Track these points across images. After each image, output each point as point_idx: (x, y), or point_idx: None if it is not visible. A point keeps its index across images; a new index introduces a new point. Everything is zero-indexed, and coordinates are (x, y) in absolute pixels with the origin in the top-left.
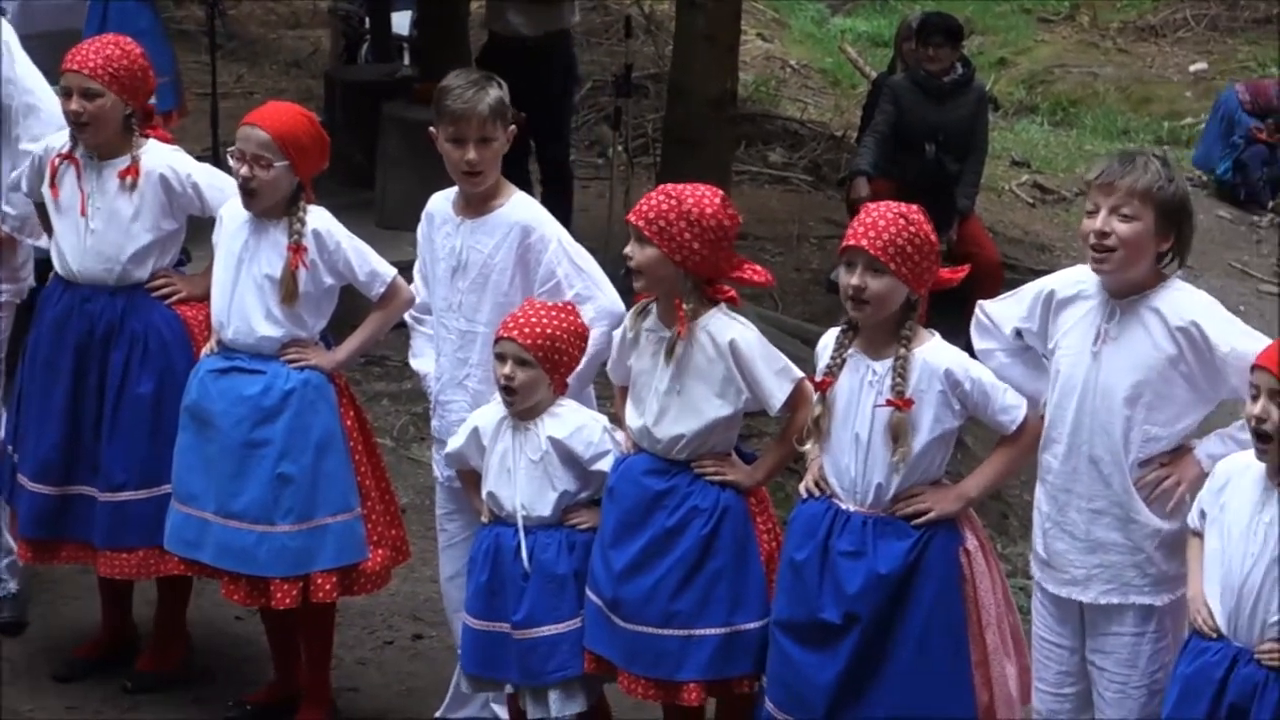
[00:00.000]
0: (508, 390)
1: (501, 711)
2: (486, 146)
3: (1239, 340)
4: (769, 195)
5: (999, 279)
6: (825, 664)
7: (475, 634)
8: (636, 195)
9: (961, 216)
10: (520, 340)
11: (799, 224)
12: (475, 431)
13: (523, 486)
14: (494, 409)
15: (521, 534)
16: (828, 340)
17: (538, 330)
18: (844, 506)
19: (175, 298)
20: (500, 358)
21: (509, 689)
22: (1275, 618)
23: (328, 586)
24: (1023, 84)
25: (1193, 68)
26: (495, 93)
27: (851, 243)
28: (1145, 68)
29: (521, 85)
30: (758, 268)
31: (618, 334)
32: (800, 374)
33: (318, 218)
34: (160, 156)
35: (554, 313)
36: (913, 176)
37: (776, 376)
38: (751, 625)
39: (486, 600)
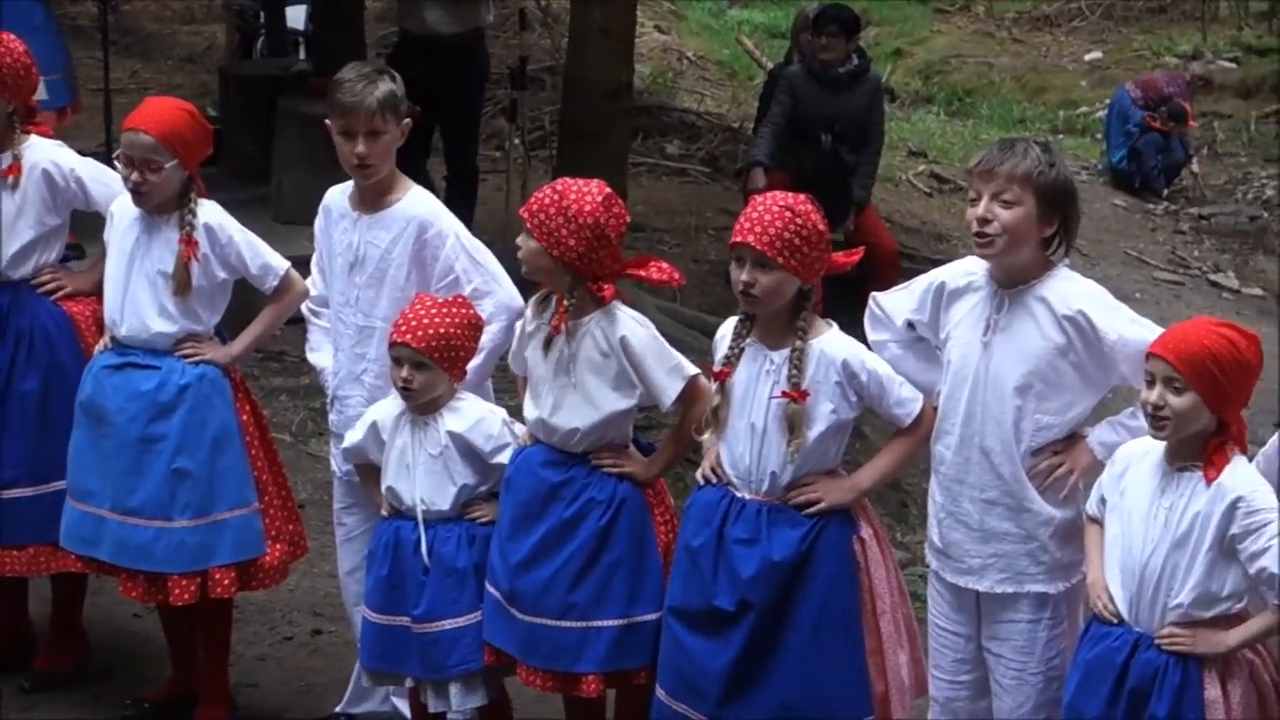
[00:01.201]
0: (406, 392)
1: (403, 705)
2: (375, 140)
3: (1126, 328)
4: (666, 187)
5: (896, 269)
6: (719, 651)
7: (375, 628)
8: (533, 188)
9: (858, 207)
10: (415, 344)
11: (697, 215)
12: (374, 426)
13: (422, 481)
14: (392, 403)
15: (421, 528)
16: (725, 330)
17: (430, 331)
18: (740, 494)
19: (61, 293)
20: (396, 360)
21: (409, 682)
22: (1176, 602)
23: (226, 582)
24: (919, 74)
25: (1088, 57)
26: (386, 86)
27: (738, 239)
28: (1040, 57)
29: (435, 84)
30: (663, 265)
31: (519, 324)
32: (693, 371)
33: (209, 212)
34: (43, 152)
35: (445, 309)
36: (809, 167)
37: (668, 374)
38: (649, 617)
39: (386, 594)
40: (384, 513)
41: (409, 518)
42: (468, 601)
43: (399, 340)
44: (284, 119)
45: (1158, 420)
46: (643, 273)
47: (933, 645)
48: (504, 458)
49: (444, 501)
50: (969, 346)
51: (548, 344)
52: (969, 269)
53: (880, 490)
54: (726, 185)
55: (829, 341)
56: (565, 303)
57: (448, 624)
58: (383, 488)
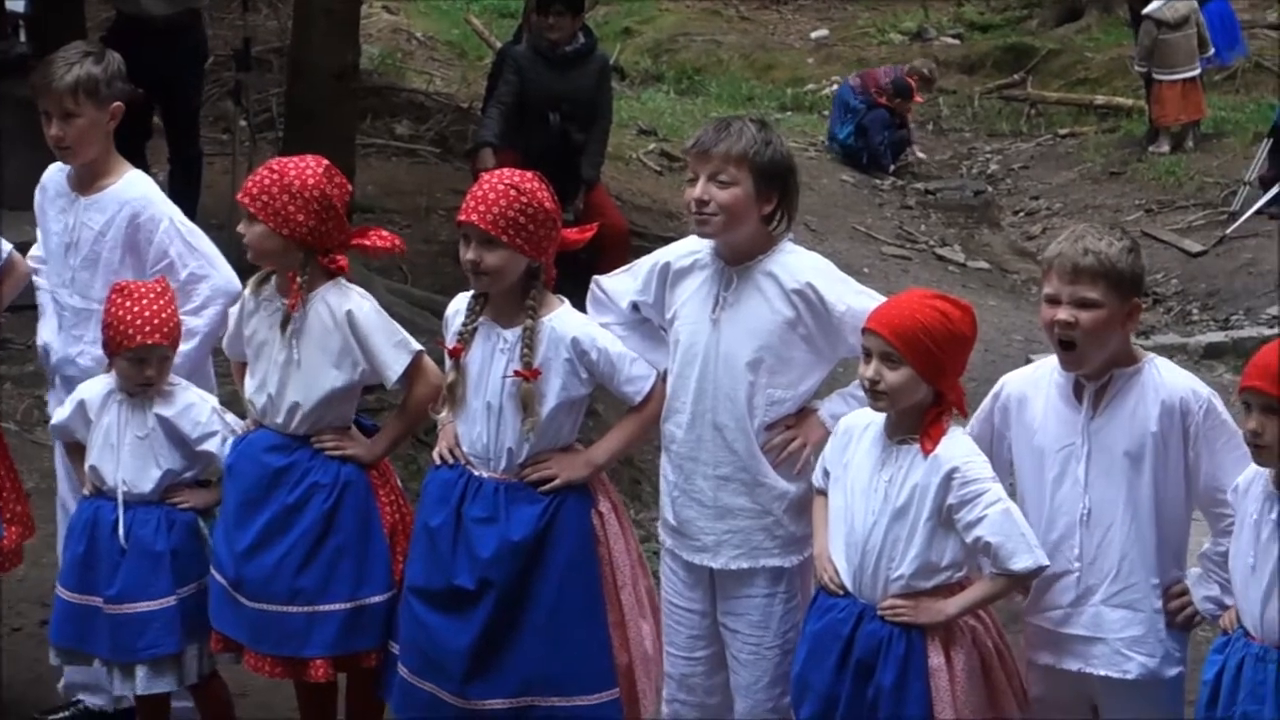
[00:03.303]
0: (147, 385)
1: (92, 698)
2: (69, 122)
3: (854, 299)
4: (396, 168)
5: (626, 247)
6: (461, 630)
7: (67, 606)
8: None
9: (588, 185)
10: (165, 342)
11: (427, 196)
12: (81, 404)
13: (126, 462)
14: (101, 382)
15: (121, 509)
16: (459, 305)
17: (172, 324)
18: (477, 473)
19: None
20: (142, 362)
21: (97, 664)
22: (897, 574)
23: None
24: (648, 53)
25: (814, 34)
26: (83, 69)
27: (463, 218)
28: (768, 35)
29: (152, 66)
30: (384, 233)
31: (235, 308)
32: (419, 347)
33: None
34: None
35: (164, 295)
36: (538, 146)
37: (394, 349)
38: (377, 599)
39: (80, 573)
40: (86, 491)
41: (110, 498)
42: (163, 585)
43: (152, 342)
44: (5, 103)
45: (875, 394)
46: (367, 242)
47: (667, 622)
48: (211, 445)
49: (146, 484)
50: (698, 325)
51: (285, 324)
52: (692, 247)
53: (613, 468)
54: (456, 165)
55: (560, 319)
56: (299, 280)
57: (140, 606)
58: (87, 466)
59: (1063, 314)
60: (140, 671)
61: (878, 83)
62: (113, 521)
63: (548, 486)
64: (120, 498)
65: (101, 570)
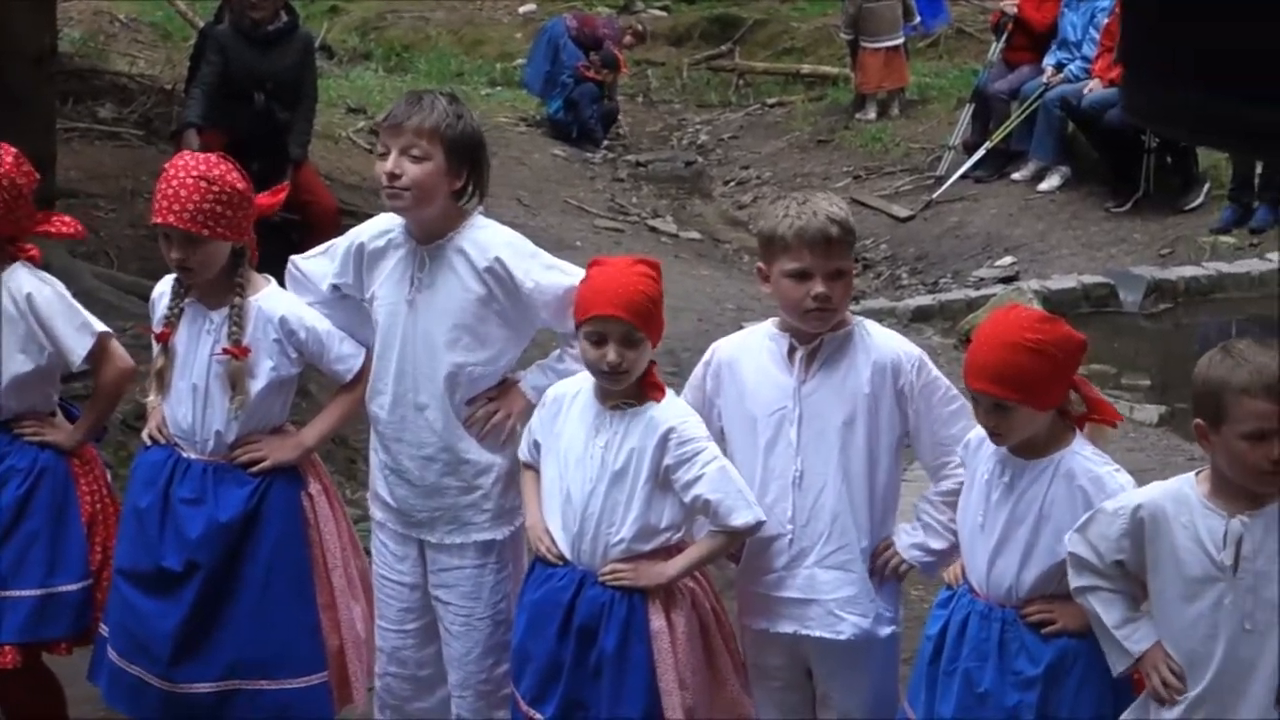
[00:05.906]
0: None
1: None
2: None
3: (541, 275)
4: (100, 151)
5: (337, 226)
6: (168, 612)
7: None
8: None
9: (295, 164)
10: None
11: (132, 179)
12: None
13: None
14: None
15: None
16: (164, 287)
17: None
18: (185, 454)
19: None
20: None
21: None
22: (618, 538)
23: None
24: (356, 31)
25: (522, 9)
26: None
27: (159, 220)
28: (476, 11)
29: None
30: (65, 218)
31: None
32: (102, 329)
33: None
34: None
35: None
36: (244, 126)
37: (77, 332)
38: (70, 587)
39: None
40: None
41: None
42: None
43: None
44: None
45: (616, 376)
46: (50, 229)
47: (378, 596)
48: None
49: None
50: (395, 306)
51: None
52: (384, 227)
53: (329, 447)
54: (161, 148)
55: (268, 298)
56: None
57: None
58: None
59: (821, 288)
60: None
61: (594, 28)
62: None
63: (257, 468)
64: None
65: None
